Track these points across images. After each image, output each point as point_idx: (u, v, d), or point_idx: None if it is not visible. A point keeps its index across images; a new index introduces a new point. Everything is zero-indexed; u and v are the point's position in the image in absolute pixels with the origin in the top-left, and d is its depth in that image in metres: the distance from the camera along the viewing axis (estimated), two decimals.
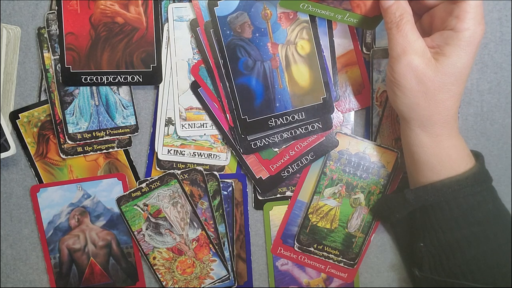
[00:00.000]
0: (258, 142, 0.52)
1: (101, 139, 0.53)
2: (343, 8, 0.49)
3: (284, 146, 0.53)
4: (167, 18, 0.52)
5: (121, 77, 0.51)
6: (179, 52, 0.52)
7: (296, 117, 0.52)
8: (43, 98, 0.53)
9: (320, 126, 0.52)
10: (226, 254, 0.55)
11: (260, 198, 0.55)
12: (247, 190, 0.55)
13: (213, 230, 0.54)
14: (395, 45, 0.42)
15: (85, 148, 0.53)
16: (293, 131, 0.52)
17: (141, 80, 0.52)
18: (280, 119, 0.52)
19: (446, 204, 0.44)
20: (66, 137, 0.52)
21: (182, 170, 0.53)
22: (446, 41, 0.42)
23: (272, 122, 0.52)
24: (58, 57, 0.51)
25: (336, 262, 0.55)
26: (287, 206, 0.55)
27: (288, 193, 0.55)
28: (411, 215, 0.49)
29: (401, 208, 0.49)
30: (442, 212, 0.44)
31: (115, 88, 0.53)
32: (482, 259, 0.43)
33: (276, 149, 0.53)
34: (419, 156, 0.46)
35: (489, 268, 0.43)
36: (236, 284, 0.56)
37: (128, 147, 0.54)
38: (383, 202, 0.53)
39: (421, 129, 0.44)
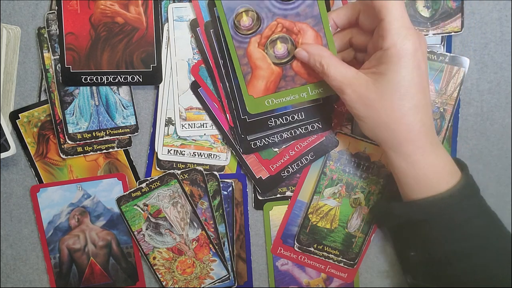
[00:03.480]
0: (258, 142, 0.52)
1: (101, 139, 0.53)
2: (300, 84, 0.49)
3: (284, 146, 0.53)
4: (167, 18, 0.52)
5: (121, 77, 0.51)
6: (179, 52, 0.52)
7: (295, 117, 0.52)
8: (43, 98, 0.53)
9: (320, 126, 0.52)
10: (226, 254, 0.55)
11: (260, 198, 0.55)
12: (247, 190, 0.55)
13: (213, 230, 0.54)
14: (332, 87, 0.44)
15: (85, 148, 0.53)
16: (292, 131, 0.52)
17: (141, 80, 0.52)
18: (280, 119, 0.52)
19: (433, 220, 0.44)
20: (66, 137, 0.52)
21: (182, 170, 0.53)
22: (380, 60, 0.42)
23: (272, 122, 0.52)
24: (58, 57, 0.51)
25: (336, 262, 0.55)
26: (287, 206, 0.55)
27: (288, 193, 0.55)
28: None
29: (388, 220, 0.49)
30: (429, 228, 0.44)
31: (115, 88, 0.53)
32: (472, 273, 0.43)
33: (276, 149, 0.53)
34: (397, 177, 0.45)
35: (480, 281, 0.43)
36: (236, 284, 0.56)
37: (128, 147, 0.54)
38: (374, 210, 0.53)
39: (393, 151, 0.44)
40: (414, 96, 0.41)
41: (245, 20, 0.48)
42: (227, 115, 0.52)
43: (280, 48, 0.49)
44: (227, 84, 0.51)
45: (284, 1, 0.48)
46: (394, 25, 0.40)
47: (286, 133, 0.52)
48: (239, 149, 0.52)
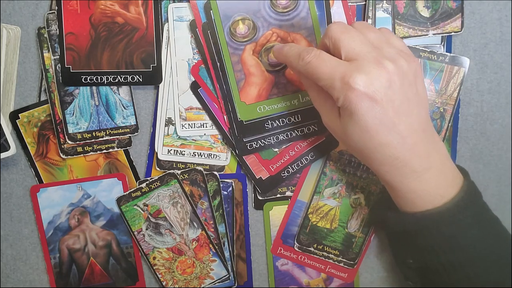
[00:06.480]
0: (254, 143, 0.52)
1: (101, 139, 0.53)
2: (292, 92, 0.50)
3: (280, 148, 0.53)
4: (167, 18, 0.52)
5: (121, 77, 0.51)
6: (179, 52, 0.52)
7: (292, 119, 0.52)
8: (43, 98, 0.53)
9: (316, 129, 0.52)
10: (226, 254, 0.55)
11: (260, 198, 0.55)
12: (247, 190, 0.55)
13: (213, 230, 0.54)
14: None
15: (85, 148, 0.53)
16: (289, 133, 0.52)
17: (141, 80, 0.52)
18: (277, 121, 0.52)
19: (428, 232, 0.43)
20: (66, 137, 0.52)
21: (182, 170, 0.53)
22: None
23: (268, 124, 0.52)
24: (58, 57, 0.51)
25: (336, 262, 0.55)
26: (287, 206, 0.55)
27: (288, 193, 0.55)
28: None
29: (384, 227, 0.49)
30: (424, 238, 0.44)
31: (115, 88, 0.53)
32: (468, 282, 0.43)
33: (276, 149, 0.53)
34: (392, 190, 0.45)
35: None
36: (236, 284, 0.56)
37: (128, 147, 0.54)
38: (371, 215, 0.53)
39: (383, 175, 0.43)
40: (375, 136, 0.40)
41: (241, 28, 0.49)
42: (224, 116, 0.52)
43: None
44: (224, 87, 0.51)
45: (280, 12, 0.49)
46: (328, 86, 0.40)
47: (282, 135, 0.52)
48: (235, 150, 0.52)
